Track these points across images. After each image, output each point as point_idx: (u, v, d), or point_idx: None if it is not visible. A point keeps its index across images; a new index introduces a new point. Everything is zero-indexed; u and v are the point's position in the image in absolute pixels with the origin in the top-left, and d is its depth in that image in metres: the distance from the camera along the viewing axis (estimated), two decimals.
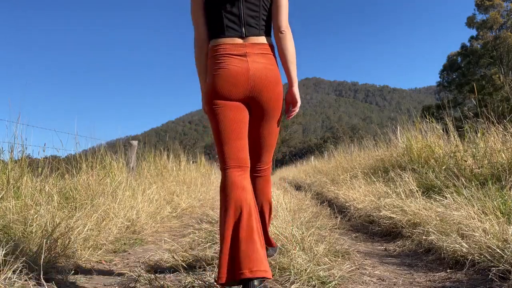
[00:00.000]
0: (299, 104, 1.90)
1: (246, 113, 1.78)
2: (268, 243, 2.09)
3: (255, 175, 1.92)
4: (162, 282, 1.83)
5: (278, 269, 1.96)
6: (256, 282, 1.48)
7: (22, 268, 1.81)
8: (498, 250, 1.88)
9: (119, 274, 2.15)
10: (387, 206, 3.55)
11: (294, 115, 1.93)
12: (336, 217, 3.86)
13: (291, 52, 1.79)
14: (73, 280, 2.01)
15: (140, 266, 2.17)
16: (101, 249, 2.65)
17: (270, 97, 1.74)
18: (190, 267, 2.06)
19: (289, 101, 1.90)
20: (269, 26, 1.82)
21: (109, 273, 2.20)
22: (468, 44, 35.13)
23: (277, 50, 1.83)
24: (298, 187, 9.50)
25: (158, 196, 4.63)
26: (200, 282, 1.82)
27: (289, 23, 1.81)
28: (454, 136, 4.71)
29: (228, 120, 1.71)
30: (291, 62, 1.80)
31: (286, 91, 1.90)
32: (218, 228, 1.87)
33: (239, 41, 1.73)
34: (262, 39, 1.76)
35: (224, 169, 1.70)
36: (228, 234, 1.55)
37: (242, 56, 1.71)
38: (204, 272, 1.96)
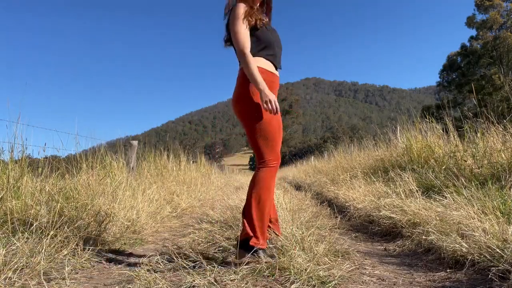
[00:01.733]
0: (264, 104, 2.22)
1: None
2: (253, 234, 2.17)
3: (257, 168, 2.35)
4: (162, 282, 1.83)
5: (278, 269, 1.96)
6: None
7: (22, 268, 1.81)
8: (498, 250, 1.88)
9: (119, 274, 2.15)
10: (387, 206, 3.55)
11: (268, 110, 2.22)
12: (336, 217, 3.86)
13: (248, 73, 2.22)
14: (73, 281, 2.01)
15: (140, 266, 2.17)
16: (101, 249, 2.65)
17: (234, 112, 2.35)
18: (190, 267, 2.06)
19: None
20: None
21: (109, 273, 2.20)
22: (468, 44, 35.16)
23: None
24: (298, 187, 9.50)
25: (158, 196, 4.63)
26: (200, 281, 1.82)
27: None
28: (454, 136, 4.71)
29: None
30: (251, 80, 2.23)
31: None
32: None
33: None
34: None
35: None
36: None
37: None
38: (204, 272, 1.96)
